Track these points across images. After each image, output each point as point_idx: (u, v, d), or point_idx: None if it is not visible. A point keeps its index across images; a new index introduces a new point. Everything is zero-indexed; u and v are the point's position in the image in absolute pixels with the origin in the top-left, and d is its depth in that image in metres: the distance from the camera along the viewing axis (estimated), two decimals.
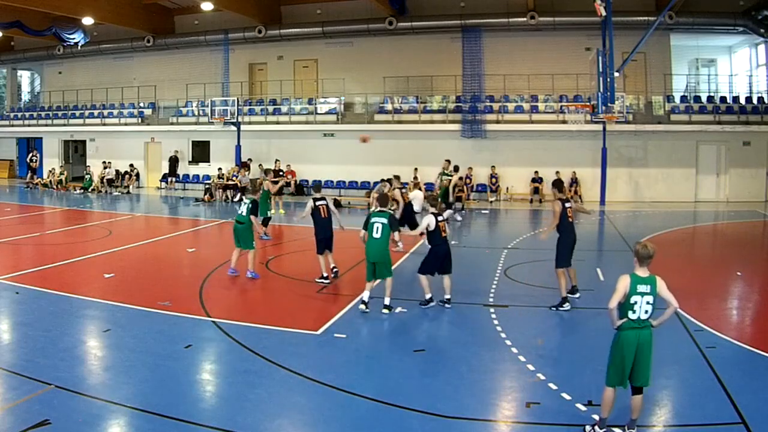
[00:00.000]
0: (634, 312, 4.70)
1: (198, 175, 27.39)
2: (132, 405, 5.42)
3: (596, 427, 4.95)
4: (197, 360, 6.78)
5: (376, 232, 8.38)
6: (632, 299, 4.69)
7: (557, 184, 9.06)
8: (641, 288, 4.70)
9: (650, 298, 4.70)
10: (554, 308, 8.50)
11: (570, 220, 8.70)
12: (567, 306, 8.48)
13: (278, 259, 12.49)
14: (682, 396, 5.88)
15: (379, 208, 8.67)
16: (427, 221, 8.56)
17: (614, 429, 4.97)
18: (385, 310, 8.35)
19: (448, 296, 8.67)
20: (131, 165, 27.66)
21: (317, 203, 10.22)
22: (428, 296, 8.64)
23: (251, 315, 8.44)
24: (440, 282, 8.72)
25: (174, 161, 27.41)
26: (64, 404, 5.38)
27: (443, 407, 5.44)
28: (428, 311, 8.59)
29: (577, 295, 9.00)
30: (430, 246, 8.77)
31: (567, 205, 8.78)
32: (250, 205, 10.37)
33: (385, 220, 8.41)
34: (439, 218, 8.62)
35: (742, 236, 16.32)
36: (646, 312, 4.70)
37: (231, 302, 9.28)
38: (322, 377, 6.08)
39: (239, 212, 10.49)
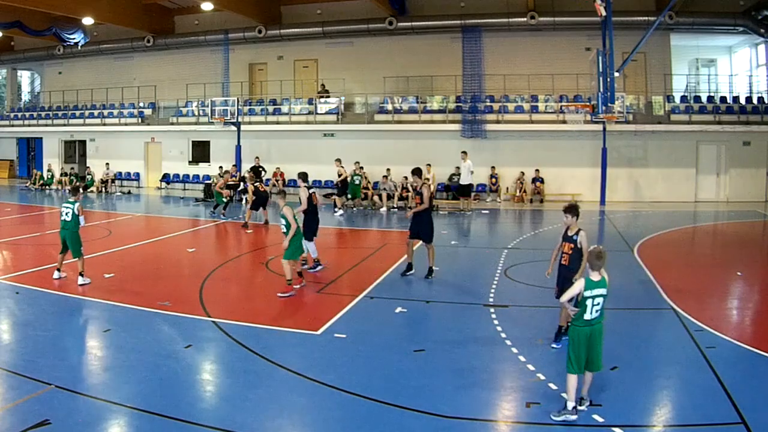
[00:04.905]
0: (587, 312, 5.26)
1: (198, 175, 27.40)
2: (132, 405, 5.42)
3: (564, 412, 5.18)
4: (197, 360, 6.78)
5: None
6: (586, 302, 5.24)
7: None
8: (594, 291, 5.24)
9: (600, 299, 5.26)
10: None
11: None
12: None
13: (278, 259, 12.45)
14: (682, 396, 5.88)
15: None
16: None
17: (614, 429, 4.99)
18: None
19: None
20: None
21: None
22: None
23: (251, 315, 8.43)
24: None
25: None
26: (64, 404, 5.38)
27: (443, 407, 5.44)
28: (428, 311, 8.60)
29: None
30: None
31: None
32: (73, 210, 9.63)
33: None
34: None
35: (742, 236, 16.30)
36: (597, 311, 5.28)
37: (231, 302, 9.27)
38: (322, 377, 6.08)
39: (62, 218, 9.69)
